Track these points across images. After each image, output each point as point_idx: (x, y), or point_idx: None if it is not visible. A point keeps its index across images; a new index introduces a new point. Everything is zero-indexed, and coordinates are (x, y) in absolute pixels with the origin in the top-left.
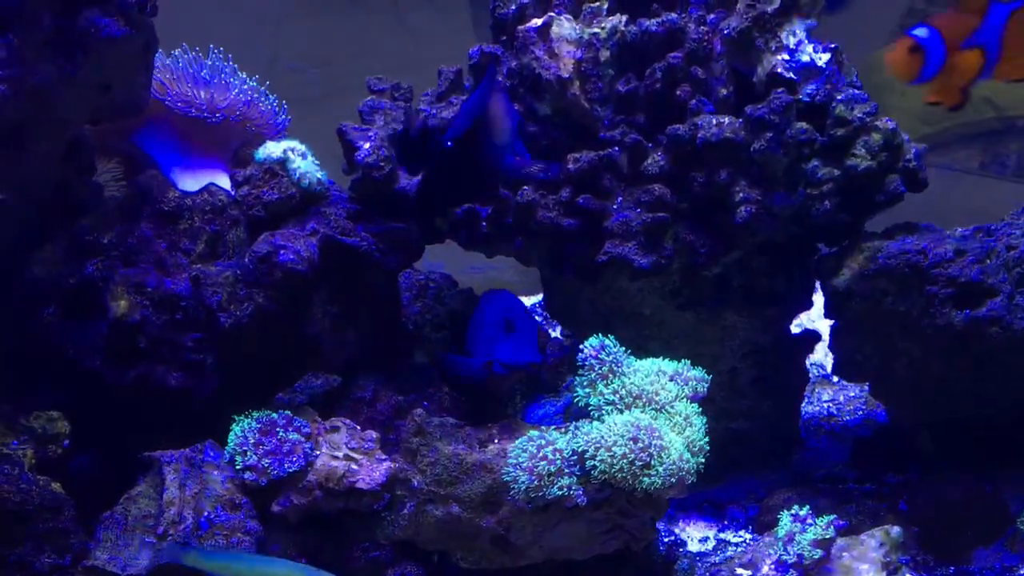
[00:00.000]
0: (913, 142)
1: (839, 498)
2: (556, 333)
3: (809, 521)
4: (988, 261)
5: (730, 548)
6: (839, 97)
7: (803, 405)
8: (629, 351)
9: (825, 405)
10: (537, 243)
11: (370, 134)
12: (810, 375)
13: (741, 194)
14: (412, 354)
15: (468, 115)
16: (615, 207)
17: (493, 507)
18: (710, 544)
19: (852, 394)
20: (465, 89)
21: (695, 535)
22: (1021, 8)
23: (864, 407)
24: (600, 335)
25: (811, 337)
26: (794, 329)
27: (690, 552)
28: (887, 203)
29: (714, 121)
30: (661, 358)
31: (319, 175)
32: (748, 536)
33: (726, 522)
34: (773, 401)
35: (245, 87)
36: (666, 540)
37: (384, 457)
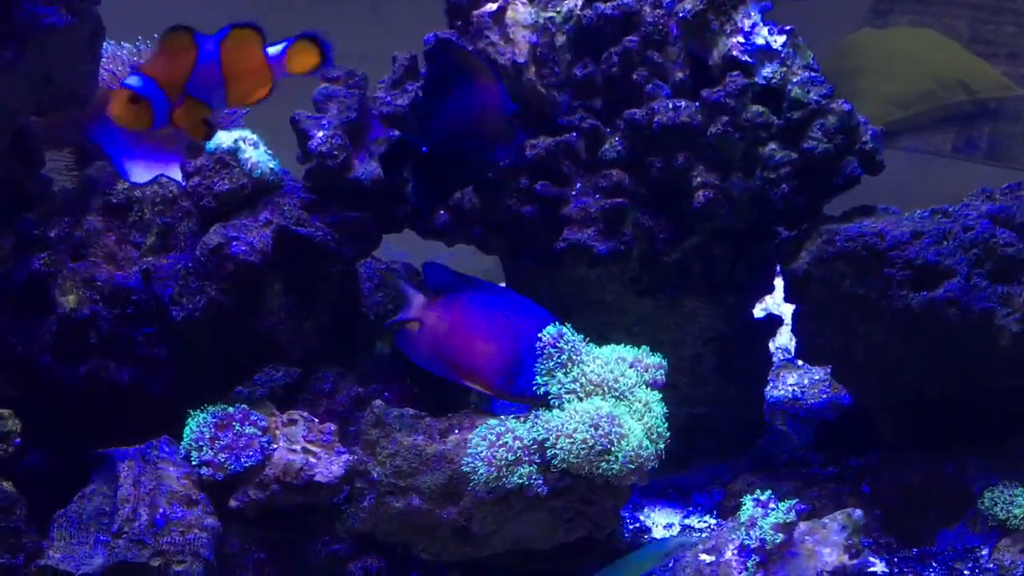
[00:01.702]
0: (876, 125)
1: (803, 482)
2: None
3: (771, 506)
4: (945, 243)
5: (694, 534)
6: (795, 79)
7: (768, 389)
8: (591, 338)
9: (790, 389)
10: (497, 231)
11: (323, 122)
12: (775, 359)
13: (699, 179)
14: (373, 345)
15: (446, 117)
16: (574, 193)
17: (454, 498)
18: (675, 530)
19: (817, 377)
20: (421, 76)
21: (660, 521)
22: (227, 36)
23: (828, 390)
24: (558, 323)
25: (774, 321)
26: (758, 313)
27: (655, 539)
28: (844, 186)
29: (670, 105)
30: (622, 345)
31: (272, 165)
32: (712, 521)
33: (691, 508)
34: (736, 386)
35: None
36: (631, 527)
37: (343, 450)
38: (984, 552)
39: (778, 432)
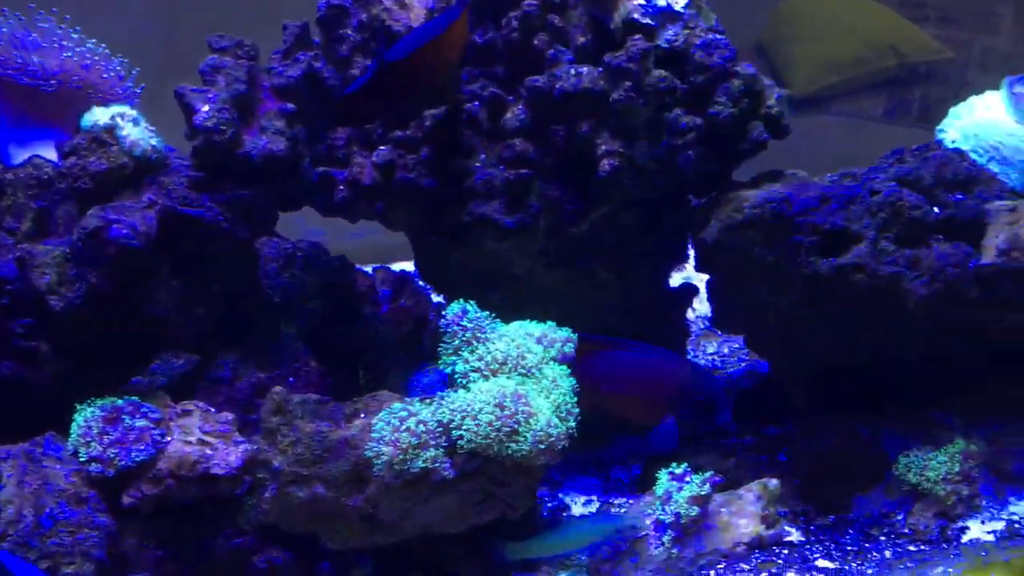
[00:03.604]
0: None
1: (721, 452)
2: (439, 298)
3: (687, 479)
4: (852, 207)
5: (613, 510)
6: (698, 42)
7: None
8: (505, 313)
9: (710, 358)
10: (399, 205)
11: (210, 96)
12: (697, 328)
13: (603, 147)
14: (279, 328)
15: (420, 37)
16: (478, 165)
17: (360, 485)
18: (594, 507)
19: (736, 346)
20: (313, 44)
21: (579, 499)
22: None
23: (747, 358)
24: (462, 300)
25: (689, 291)
26: (679, 282)
27: (573, 516)
28: (752, 151)
29: (572, 71)
30: (533, 319)
31: (153, 142)
32: (633, 495)
33: (610, 483)
34: None
35: (82, 50)
36: (550, 506)
37: (242, 439)
38: (899, 517)
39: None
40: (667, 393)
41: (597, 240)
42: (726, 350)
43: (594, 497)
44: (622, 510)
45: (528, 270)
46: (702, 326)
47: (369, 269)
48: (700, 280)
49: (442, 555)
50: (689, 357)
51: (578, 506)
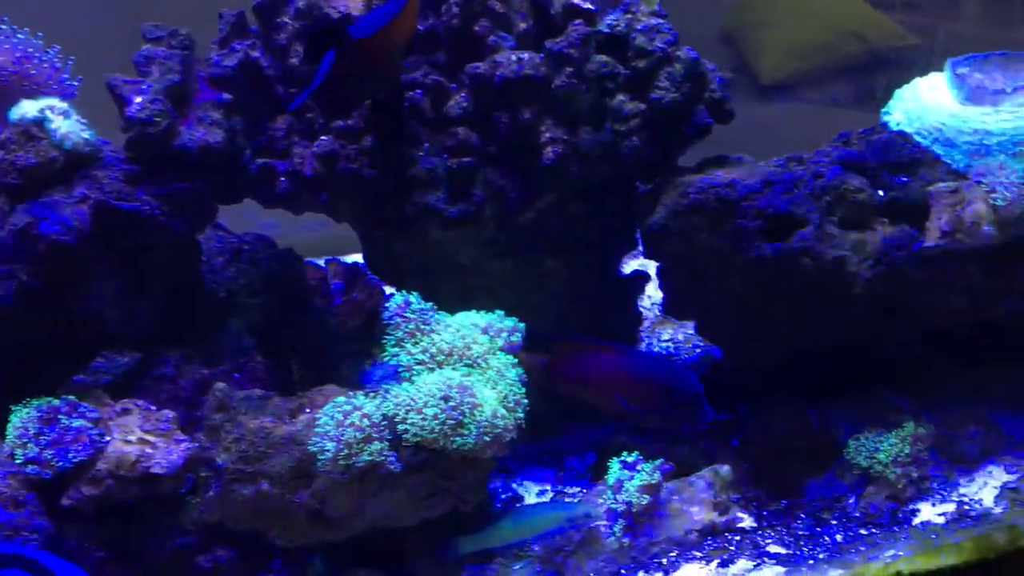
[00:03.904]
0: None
1: (673, 439)
2: (393, 290)
3: (638, 467)
4: (796, 191)
5: (567, 499)
6: (639, 27)
7: (642, 346)
8: (455, 304)
9: (665, 344)
10: (343, 197)
11: (143, 87)
12: (652, 315)
13: (547, 134)
14: (226, 323)
15: (382, 16)
16: (421, 154)
17: (305, 480)
18: (548, 496)
19: (691, 332)
20: (251, 33)
21: (533, 489)
22: None
23: (702, 344)
24: (405, 292)
25: (640, 278)
26: (635, 269)
27: (528, 507)
28: (696, 136)
29: (514, 58)
30: (482, 310)
31: (85, 135)
32: (587, 485)
33: (564, 473)
34: None
35: (15, 41)
36: (503, 497)
37: (183, 438)
38: (851, 501)
39: None
40: (646, 394)
41: (543, 228)
42: (681, 337)
43: (548, 487)
44: (576, 499)
45: (475, 260)
46: (657, 313)
47: (321, 262)
48: (654, 267)
49: (396, 549)
50: (647, 347)
51: (532, 496)
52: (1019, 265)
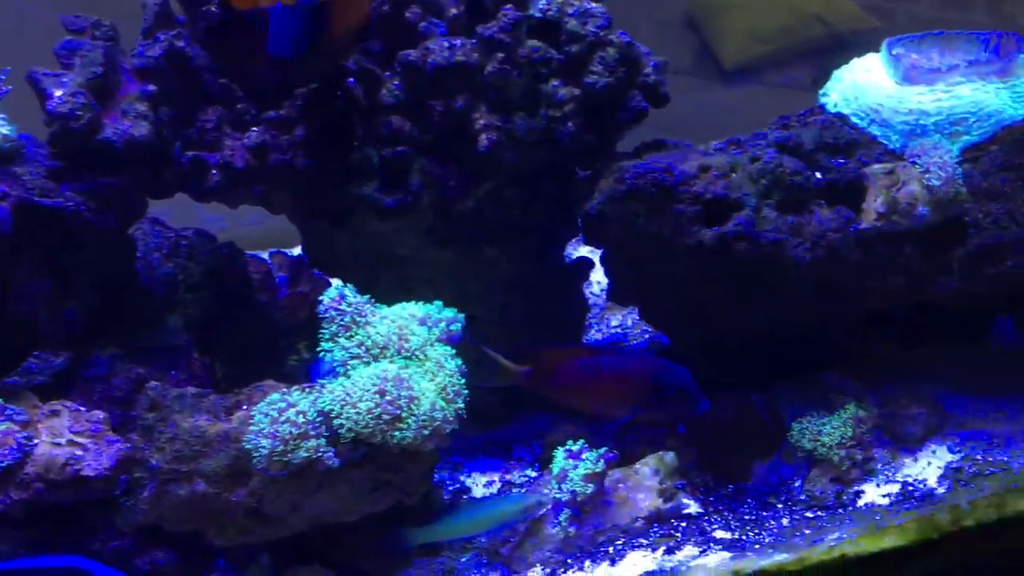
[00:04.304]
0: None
1: (621, 426)
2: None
3: (583, 456)
4: (733, 175)
5: (514, 490)
6: (571, 11)
7: (591, 333)
8: (396, 296)
9: (614, 330)
10: (278, 188)
11: (64, 80)
12: (601, 301)
13: (481, 121)
14: (162, 320)
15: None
16: (356, 143)
17: (242, 479)
18: (495, 487)
19: (639, 317)
20: (177, 23)
21: (481, 480)
22: None
23: (650, 330)
24: (340, 284)
25: (584, 264)
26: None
27: (474, 498)
28: (631, 120)
29: (446, 44)
30: (423, 300)
31: (5, 131)
32: (534, 475)
33: (512, 463)
34: (551, 334)
35: None
36: (451, 489)
37: (115, 439)
38: (797, 484)
39: None
40: (635, 392)
41: (482, 217)
42: (629, 322)
43: (496, 477)
44: (523, 490)
45: (415, 250)
46: (607, 299)
47: (266, 255)
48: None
49: (341, 545)
50: (597, 334)
51: (480, 487)
52: (955, 245)
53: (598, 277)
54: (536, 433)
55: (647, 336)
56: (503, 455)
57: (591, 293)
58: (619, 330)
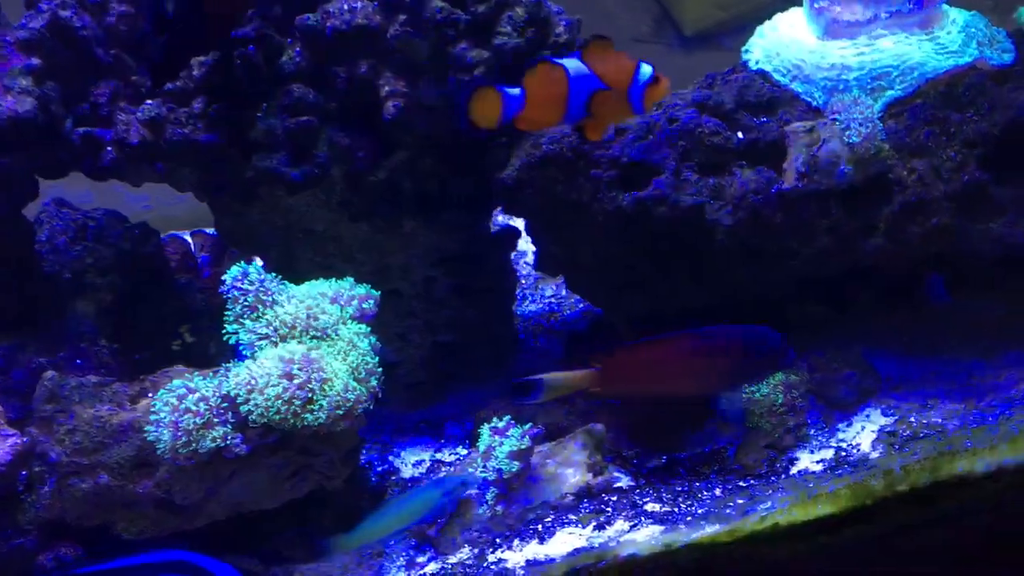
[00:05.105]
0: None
1: (553, 400)
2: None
3: (508, 433)
4: (650, 137)
5: (443, 469)
6: None
7: (525, 304)
8: (315, 273)
9: (548, 301)
10: (182, 164)
11: None
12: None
13: (387, 87)
14: (71, 306)
15: None
16: (259, 114)
17: (148, 470)
18: (425, 467)
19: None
20: None
21: (410, 459)
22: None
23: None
24: (242, 262)
25: (511, 233)
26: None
27: (403, 479)
28: None
29: (346, 7)
30: (343, 276)
31: None
32: (465, 452)
33: (443, 441)
34: (479, 306)
35: None
36: (379, 470)
37: (10, 432)
38: (730, 452)
39: (532, 348)
40: (729, 364)
41: (398, 188)
42: (564, 292)
43: (426, 457)
44: (452, 469)
45: (330, 225)
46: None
47: (188, 235)
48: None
49: (265, 533)
50: (532, 303)
51: (409, 468)
52: (881, 204)
53: (533, 246)
54: (468, 409)
55: (580, 306)
56: (434, 433)
57: (526, 263)
58: (554, 300)
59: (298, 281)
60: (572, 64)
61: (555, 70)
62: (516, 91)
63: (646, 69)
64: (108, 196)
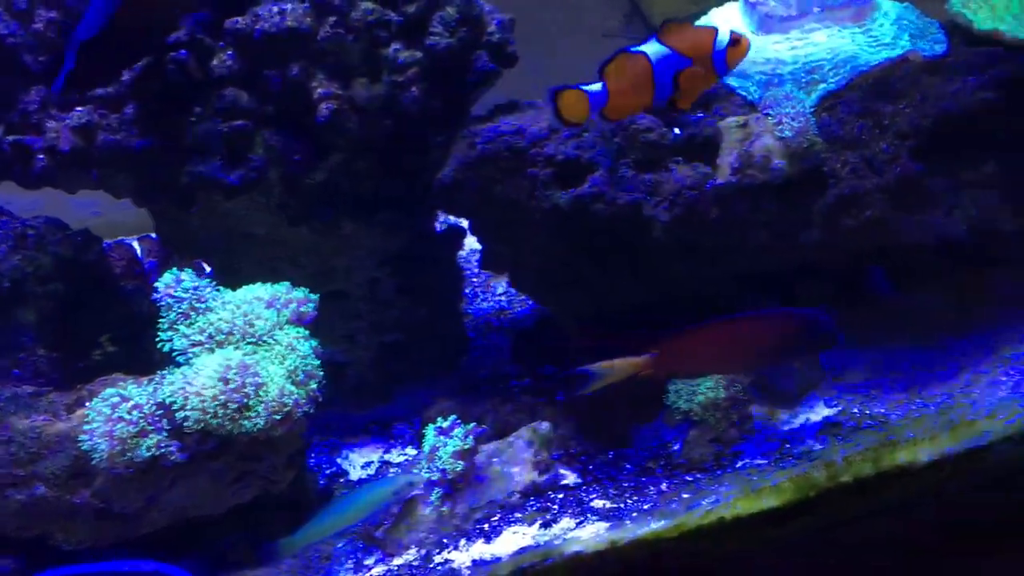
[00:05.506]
0: (497, 13)
1: (500, 398)
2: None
3: (452, 433)
4: (586, 134)
5: (392, 470)
6: None
7: (477, 301)
8: (256, 278)
9: (499, 298)
10: (117, 170)
11: None
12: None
13: (320, 90)
14: (12, 315)
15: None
16: (192, 119)
17: (86, 479)
18: (374, 468)
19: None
20: None
21: (359, 461)
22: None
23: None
24: (175, 269)
25: (456, 232)
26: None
27: (351, 481)
28: (481, 83)
29: (275, 9)
30: (287, 280)
31: None
32: (414, 453)
33: (392, 442)
34: (427, 306)
35: None
36: (328, 472)
37: None
38: (677, 446)
39: (482, 346)
40: (783, 342)
41: (335, 190)
42: (515, 290)
43: (375, 458)
44: (398, 470)
45: (271, 228)
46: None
47: (135, 241)
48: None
49: (211, 539)
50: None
51: (357, 470)
52: (815, 197)
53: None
54: (418, 410)
55: (530, 304)
56: (383, 434)
57: (477, 260)
58: (504, 298)
59: (241, 285)
60: (652, 48)
61: (636, 58)
62: (597, 86)
63: (723, 35)
64: (56, 203)
